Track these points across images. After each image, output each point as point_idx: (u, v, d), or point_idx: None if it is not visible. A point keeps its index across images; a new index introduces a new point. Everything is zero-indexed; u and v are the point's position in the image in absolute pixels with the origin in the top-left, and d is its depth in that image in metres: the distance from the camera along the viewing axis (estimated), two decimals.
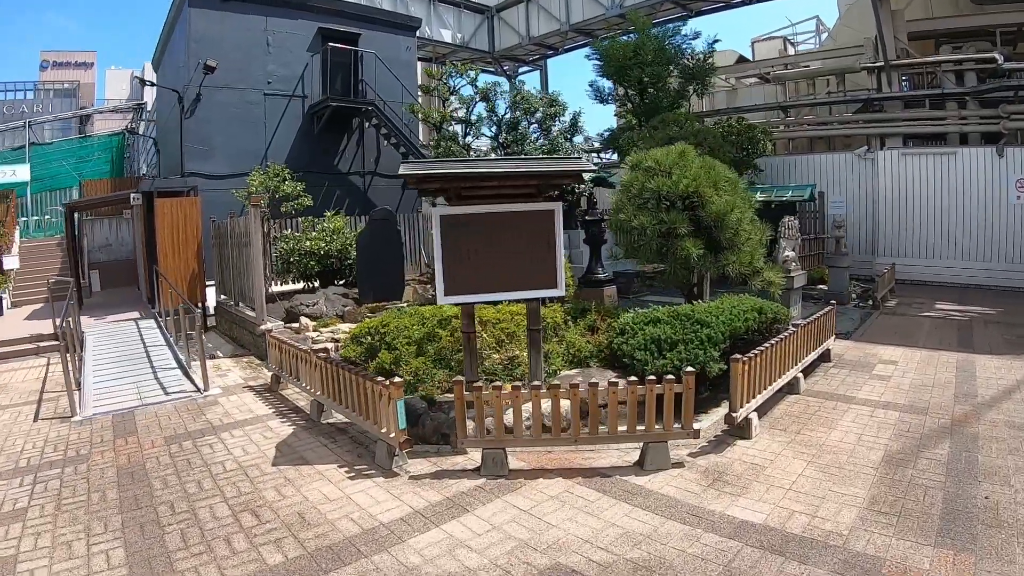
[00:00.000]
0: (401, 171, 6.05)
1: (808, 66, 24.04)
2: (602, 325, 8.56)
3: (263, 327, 11.73)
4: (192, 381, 9.92)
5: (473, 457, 5.95)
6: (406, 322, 8.69)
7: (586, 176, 17.09)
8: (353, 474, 5.99)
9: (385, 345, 8.46)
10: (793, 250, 11.46)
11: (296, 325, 11.66)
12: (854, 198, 19.53)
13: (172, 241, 14.45)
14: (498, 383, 5.92)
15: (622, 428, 5.48)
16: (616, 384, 5.46)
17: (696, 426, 5.94)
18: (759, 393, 6.50)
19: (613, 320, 8.45)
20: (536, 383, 5.68)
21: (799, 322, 8.41)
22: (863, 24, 21.50)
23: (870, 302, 14.09)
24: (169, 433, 7.55)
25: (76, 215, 18.10)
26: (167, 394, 9.47)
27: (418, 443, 6.65)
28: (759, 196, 15.63)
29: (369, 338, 8.79)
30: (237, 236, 12.99)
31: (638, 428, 5.46)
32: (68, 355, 9.23)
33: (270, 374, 9.59)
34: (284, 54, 17.78)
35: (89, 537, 4.90)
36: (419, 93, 17.86)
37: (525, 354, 7.45)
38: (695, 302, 8.97)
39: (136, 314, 15.38)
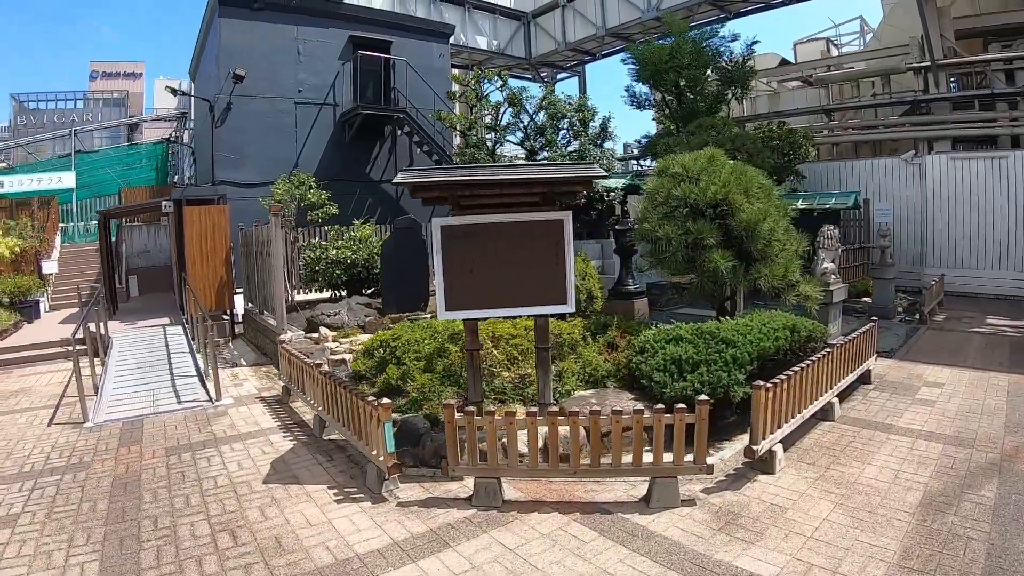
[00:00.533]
0: (396, 180, 5.71)
1: (852, 67, 23.06)
2: (622, 342, 8.06)
3: (282, 336, 11.59)
4: (207, 390, 9.84)
5: (468, 484, 5.55)
6: (417, 335, 8.35)
7: (617, 183, 16.58)
8: (341, 497, 5.67)
9: (395, 359, 8.13)
10: (832, 261, 10.74)
11: (316, 335, 11.46)
12: (900, 205, 18.49)
13: (200, 249, 14.45)
14: (492, 409, 5.49)
15: (627, 460, 4.98)
16: (620, 412, 4.96)
17: (713, 459, 5.43)
18: (785, 423, 5.92)
19: (633, 337, 7.95)
20: (533, 410, 5.23)
21: (836, 341, 7.77)
22: (908, 23, 20.55)
23: (917, 316, 13.22)
24: (172, 443, 7.47)
25: (111, 222, 18.31)
26: (180, 403, 9.46)
27: (417, 465, 6.31)
28: (800, 203, 14.88)
29: (380, 351, 8.47)
30: (260, 244, 12.89)
31: (645, 461, 4.96)
32: (80, 361, 9.23)
33: (282, 385, 9.38)
34: (315, 62, 17.75)
35: (70, 548, 4.87)
36: (454, 101, 17.54)
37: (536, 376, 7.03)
38: (724, 318, 8.41)
39: (166, 320, 15.49)
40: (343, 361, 9.93)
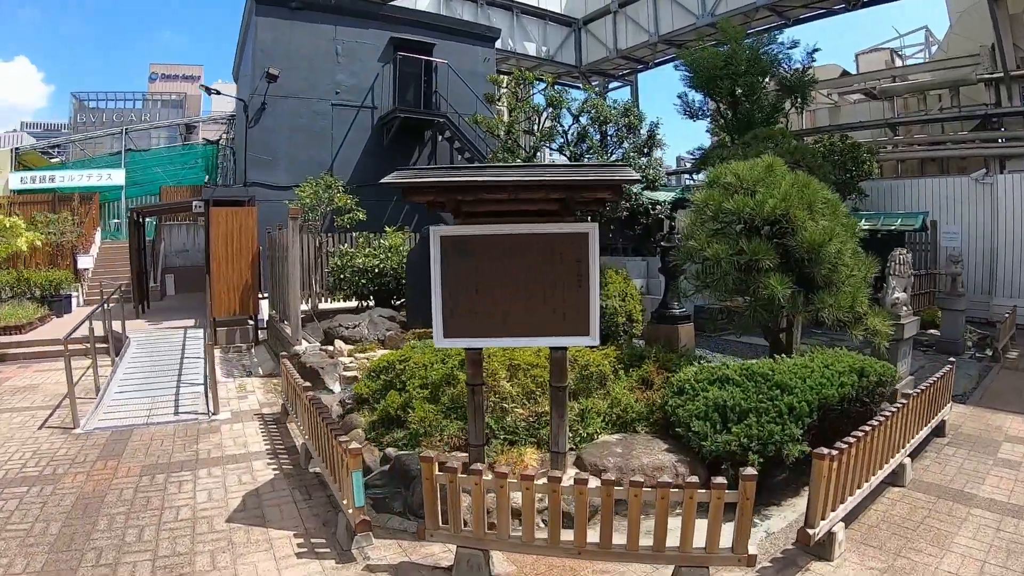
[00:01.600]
0: (385, 180, 4.77)
1: (918, 79, 21.31)
2: (658, 378, 6.91)
3: (296, 347, 10.81)
4: (208, 401, 9.14)
5: (452, 548, 4.55)
6: (427, 358, 7.40)
7: (665, 197, 15.37)
8: (304, 550, 4.78)
9: (400, 384, 7.20)
10: (905, 291, 9.39)
11: (331, 348, 10.64)
12: (969, 228, 16.84)
13: (226, 251, 13.88)
14: (497, 454, 4.47)
15: (646, 543, 3.89)
16: (640, 485, 3.87)
17: (756, 534, 4.31)
18: (850, 495, 4.74)
19: (672, 374, 6.82)
20: (529, 475, 4.18)
21: (910, 390, 6.51)
22: (978, 32, 18.87)
23: (989, 353, 11.69)
24: (151, 461, 6.86)
25: (144, 219, 18.00)
26: (176, 414, 8.87)
27: (404, 513, 5.36)
28: (864, 224, 13.46)
29: (386, 374, 7.55)
30: (281, 249, 12.18)
31: (669, 545, 3.87)
32: (97, 360, 8.65)
33: (282, 403, 8.58)
34: (354, 63, 17.09)
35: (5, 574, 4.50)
36: (492, 104, 16.64)
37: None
38: (779, 356, 7.20)
39: (192, 322, 14.98)
40: (356, 379, 9.07)
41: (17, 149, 29.75)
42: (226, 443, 7.59)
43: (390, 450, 6.42)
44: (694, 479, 3.92)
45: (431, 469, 4.09)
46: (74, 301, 17.15)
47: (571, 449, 5.95)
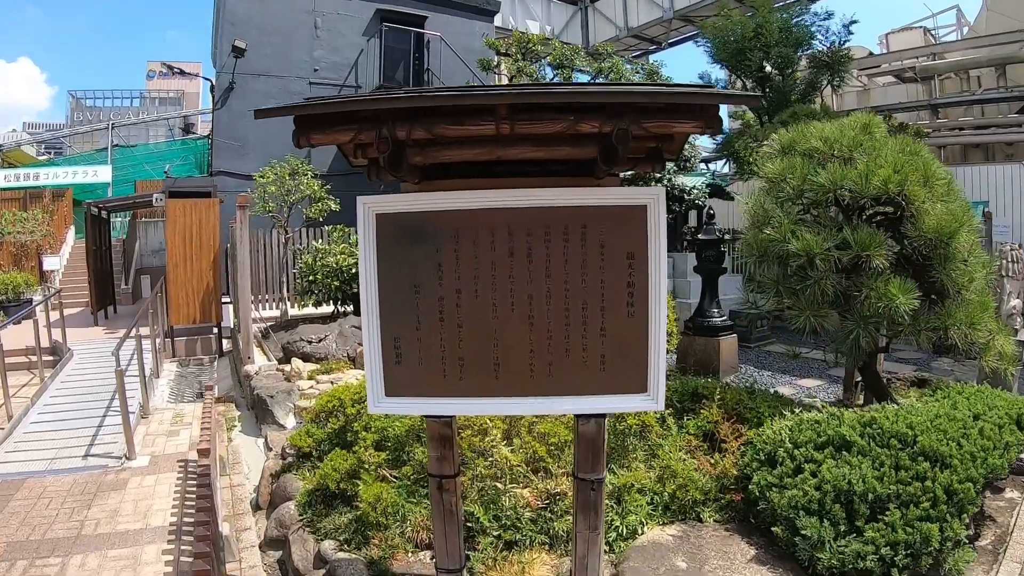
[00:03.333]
0: (261, 110, 2.37)
1: (958, 57, 18.72)
2: (729, 434, 4.44)
3: (246, 367, 8.44)
4: (129, 440, 6.81)
5: None
6: None
7: (695, 182, 12.86)
8: None
9: (351, 435, 4.81)
10: (1019, 296, 6.96)
11: (288, 367, 8.26)
12: (1020, 220, 14.46)
13: (184, 250, 11.51)
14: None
15: None
16: None
17: None
18: None
19: (746, 424, 4.40)
20: None
21: None
22: (1015, 9, 16.46)
23: None
24: (21, 537, 4.79)
25: (108, 216, 15.65)
26: (84, 459, 6.56)
27: None
28: None
29: (334, 419, 5.16)
30: (232, 246, 9.82)
31: None
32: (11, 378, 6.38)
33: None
34: (335, 38, 14.60)
35: None
36: (489, 72, 14.13)
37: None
38: (884, 404, 4.79)
39: (148, 331, 12.66)
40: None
41: (0, 147, 27.54)
42: (124, 508, 5.34)
43: (328, 545, 4.07)
44: None
45: None
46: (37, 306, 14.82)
47: (605, 551, 3.55)
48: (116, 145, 24.96)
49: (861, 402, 6.60)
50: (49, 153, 31.88)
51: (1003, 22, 18.02)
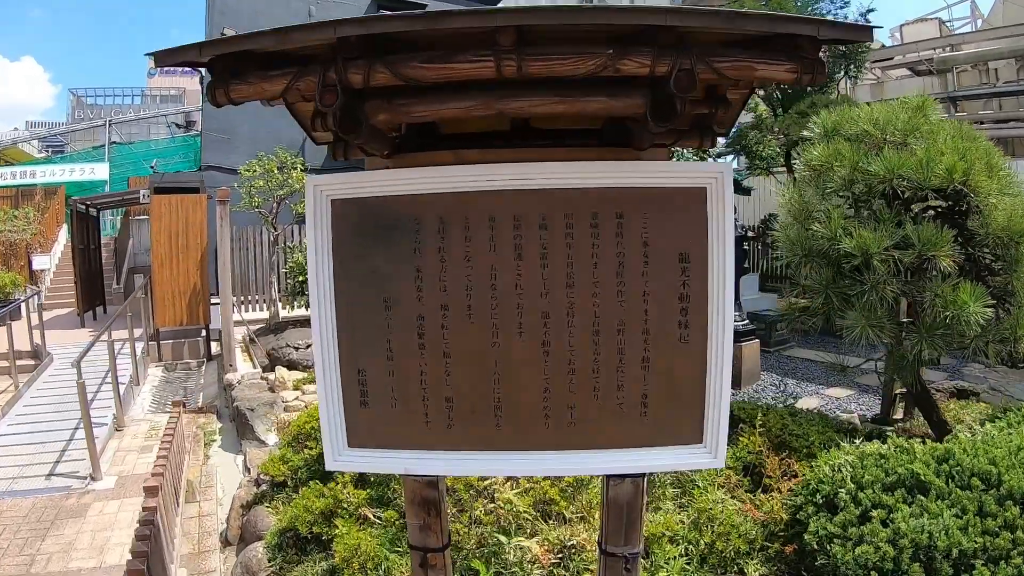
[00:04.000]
0: (155, 52, 1.63)
1: (978, 48, 17.87)
2: (776, 470, 3.66)
3: (228, 376, 7.73)
4: (94, 459, 6.13)
5: None
6: None
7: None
8: None
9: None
10: None
11: (273, 376, 7.54)
12: None
13: (169, 248, 10.84)
14: None
15: None
16: None
17: None
18: None
19: (797, 459, 3.64)
20: None
21: None
22: None
23: None
24: None
25: (97, 212, 14.96)
26: (47, 478, 5.99)
27: None
28: None
29: (312, 444, 4.43)
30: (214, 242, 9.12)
31: None
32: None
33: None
34: None
35: None
36: None
37: (594, 543, 2.91)
38: (932, 421, 4.03)
39: (135, 332, 11.96)
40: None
41: None
42: (80, 541, 4.77)
43: None
44: None
45: None
46: (24, 307, 14.17)
47: None
48: (114, 142, 24.30)
49: (900, 416, 5.87)
50: (50, 151, 31.26)
51: (1021, 13, 17.25)
